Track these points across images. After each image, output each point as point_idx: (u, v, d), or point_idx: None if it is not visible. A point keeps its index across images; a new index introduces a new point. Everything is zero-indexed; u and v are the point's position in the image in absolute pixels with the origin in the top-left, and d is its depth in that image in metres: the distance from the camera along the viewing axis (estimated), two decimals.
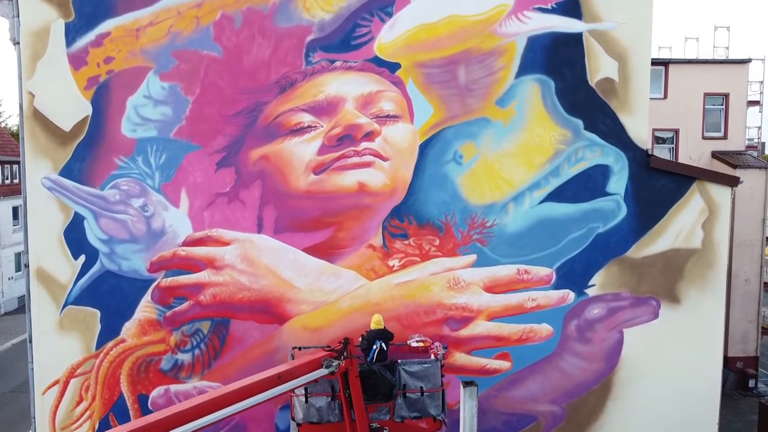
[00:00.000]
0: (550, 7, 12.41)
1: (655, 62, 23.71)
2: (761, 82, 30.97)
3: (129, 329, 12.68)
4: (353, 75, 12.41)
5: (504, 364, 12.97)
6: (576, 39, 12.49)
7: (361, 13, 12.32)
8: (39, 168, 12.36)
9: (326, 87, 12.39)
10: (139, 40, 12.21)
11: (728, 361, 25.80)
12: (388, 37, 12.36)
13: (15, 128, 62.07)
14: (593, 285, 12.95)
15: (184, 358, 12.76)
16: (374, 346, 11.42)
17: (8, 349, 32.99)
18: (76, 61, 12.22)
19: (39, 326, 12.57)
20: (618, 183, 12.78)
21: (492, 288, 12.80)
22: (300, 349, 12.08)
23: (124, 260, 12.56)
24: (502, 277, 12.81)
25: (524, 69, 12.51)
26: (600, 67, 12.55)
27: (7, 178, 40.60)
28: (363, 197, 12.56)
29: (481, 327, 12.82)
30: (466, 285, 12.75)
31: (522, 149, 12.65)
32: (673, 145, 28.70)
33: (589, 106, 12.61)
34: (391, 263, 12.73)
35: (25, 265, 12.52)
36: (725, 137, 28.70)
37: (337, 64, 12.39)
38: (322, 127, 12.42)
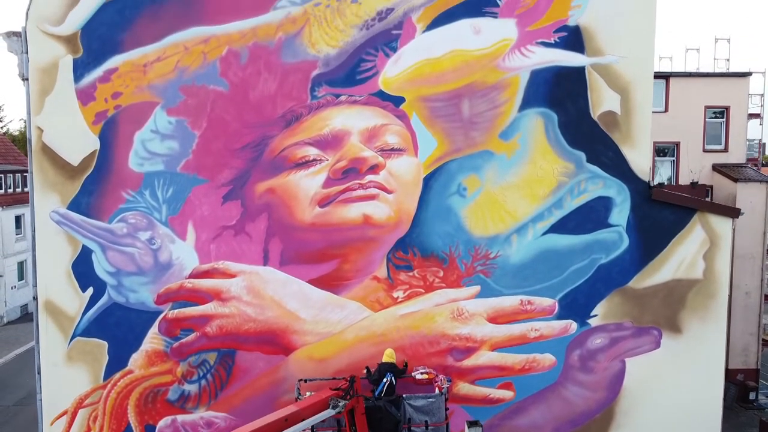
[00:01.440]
0: (552, 42, 12.54)
1: (656, 75, 23.74)
2: (762, 95, 31.06)
3: (136, 360, 12.84)
4: (358, 109, 12.55)
5: (507, 394, 13.12)
6: (579, 73, 12.62)
7: (365, 48, 12.45)
8: (47, 202, 12.51)
9: (331, 121, 12.53)
10: (146, 76, 12.35)
11: (729, 374, 25.81)
12: (393, 71, 12.49)
13: (17, 133, 62.24)
14: (596, 315, 13.09)
15: (191, 388, 12.91)
16: (384, 379, 11.58)
17: (12, 359, 32.98)
18: (84, 97, 12.36)
19: (47, 358, 12.73)
20: (620, 215, 12.91)
21: (495, 319, 12.94)
22: (306, 381, 12.28)
23: (131, 292, 12.70)
24: (506, 308, 12.95)
25: (527, 102, 12.65)
26: (602, 101, 12.68)
27: (10, 187, 40.65)
28: (368, 229, 12.69)
29: (484, 357, 12.96)
30: (469, 316, 12.88)
31: (525, 182, 12.79)
32: (674, 158, 28.81)
33: (591, 139, 12.75)
34: (395, 295, 12.87)
35: (34, 297, 12.67)
36: (726, 150, 28.79)
37: (342, 98, 12.52)
38: (327, 160, 12.56)
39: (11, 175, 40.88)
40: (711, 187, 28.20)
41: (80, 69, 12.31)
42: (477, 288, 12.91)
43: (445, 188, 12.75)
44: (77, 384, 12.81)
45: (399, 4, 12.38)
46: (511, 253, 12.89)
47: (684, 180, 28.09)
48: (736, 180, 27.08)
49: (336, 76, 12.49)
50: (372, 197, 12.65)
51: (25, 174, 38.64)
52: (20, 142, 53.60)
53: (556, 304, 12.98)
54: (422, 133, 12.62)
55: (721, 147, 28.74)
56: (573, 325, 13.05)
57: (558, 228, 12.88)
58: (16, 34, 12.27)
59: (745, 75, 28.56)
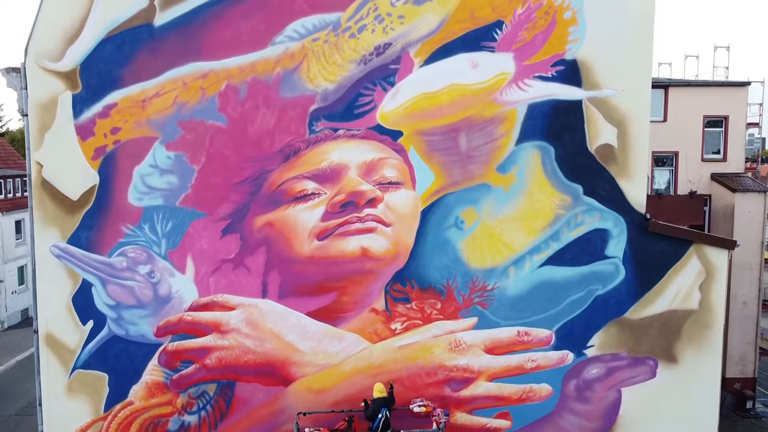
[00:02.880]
0: (550, 76, 12.58)
1: (655, 85, 23.79)
2: (761, 104, 31.07)
3: (136, 392, 12.95)
4: (356, 143, 12.61)
5: (504, 423, 13.23)
6: (576, 106, 12.67)
7: (363, 83, 12.51)
8: (48, 236, 12.60)
9: (329, 155, 12.60)
10: (145, 111, 12.41)
11: (726, 383, 26.04)
12: (391, 105, 12.54)
13: (16, 131, 62.17)
14: (592, 346, 13.18)
15: (191, 419, 13.03)
16: (379, 415, 11.68)
17: (12, 366, 33.01)
18: (84, 132, 12.43)
19: (48, 390, 12.85)
20: (617, 246, 12.97)
21: (493, 349, 13.03)
22: (305, 414, 12.38)
23: (131, 325, 12.80)
24: (503, 339, 13.05)
25: (525, 136, 12.70)
26: (599, 134, 12.73)
27: (10, 192, 40.70)
28: (366, 262, 12.77)
29: (481, 387, 13.06)
30: (467, 347, 12.97)
31: (522, 214, 12.86)
32: (673, 168, 28.86)
33: (588, 172, 12.81)
34: (393, 326, 12.96)
35: (35, 331, 12.77)
36: (724, 159, 28.84)
37: (340, 132, 12.59)
38: (325, 194, 12.63)
39: (11, 180, 40.91)
40: (709, 196, 28.28)
41: (79, 105, 12.36)
42: (474, 320, 13.00)
43: (443, 221, 12.83)
44: (78, 416, 12.92)
45: (397, 38, 12.42)
46: (508, 285, 12.98)
47: (682, 189, 28.17)
48: (734, 190, 27.15)
49: (334, 110, 12.55)
50: (370, 230, 12.72)
51: (24, 178, 38.68)
52: (20, 141, 53.61)
53: (553, 335, 13.07)
54: (420, 167, 12.69)
55: (720, 156, 28.79)
56: (569, 356, 13.15)
57: (555, 260, 12.96)
58: (16, 70, 12.33)
59: (744, 84, 28.58)
